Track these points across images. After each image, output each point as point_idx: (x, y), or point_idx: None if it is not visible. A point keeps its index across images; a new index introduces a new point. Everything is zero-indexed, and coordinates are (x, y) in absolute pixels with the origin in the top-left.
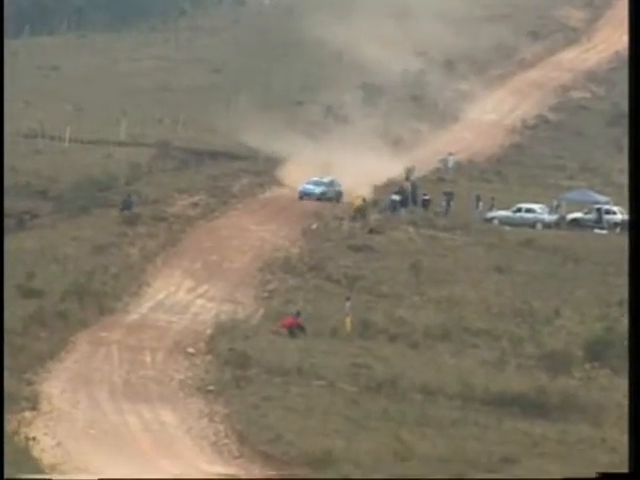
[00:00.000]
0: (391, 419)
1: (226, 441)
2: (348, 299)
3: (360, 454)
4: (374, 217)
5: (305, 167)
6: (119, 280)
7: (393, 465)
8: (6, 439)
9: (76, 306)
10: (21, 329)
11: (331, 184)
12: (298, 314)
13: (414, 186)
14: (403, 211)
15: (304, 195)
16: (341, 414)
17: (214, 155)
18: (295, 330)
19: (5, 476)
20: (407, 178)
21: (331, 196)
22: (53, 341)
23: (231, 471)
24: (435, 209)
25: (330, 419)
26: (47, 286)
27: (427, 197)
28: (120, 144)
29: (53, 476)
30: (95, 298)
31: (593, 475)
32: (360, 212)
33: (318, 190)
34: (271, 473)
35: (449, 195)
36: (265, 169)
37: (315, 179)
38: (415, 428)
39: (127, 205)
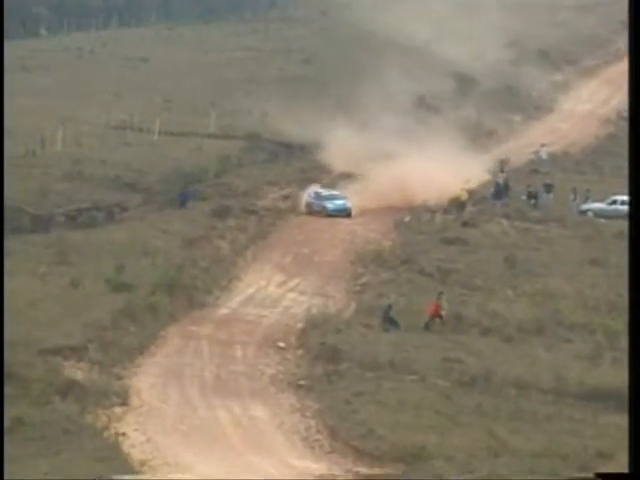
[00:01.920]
0: (484, 414)
1: (318, 436)
2: (441, 293)
3: (453, 450)
4: (467, 210)
5: (397, 159)
6: (209, 274)
7: (486, 461)
8: (97, 434)
9: (166, 300)
10: (111, 323)
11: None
12: (390, 307)
13: (507, 178)
14: (497, 204)
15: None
16: (433, 409)
17: (304, 147)
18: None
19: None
20: (501, 170)
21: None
22: (143, 335)
23: (322, 466)
24: (529, 202)
25: (422, 414)
26: (137, 280)
27: (531, 189)
28: (209, 136)
29: (58, 477)
30: (185, 292)
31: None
32: (457, 205)
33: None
34: (363, 469)
35: (548, 187)
36: None
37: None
38: (508, 423)
39: (182, 201)
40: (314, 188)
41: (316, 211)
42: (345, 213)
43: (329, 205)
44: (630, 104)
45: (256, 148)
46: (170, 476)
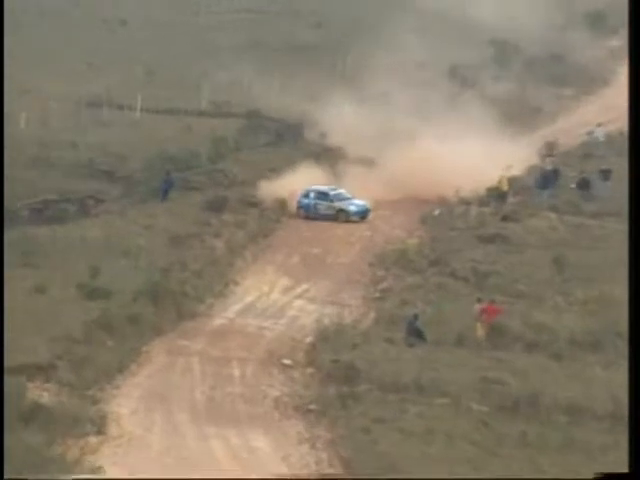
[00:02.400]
0: (529, 444)
1: (330, 471)
2: (479, 300)
3: None
4: (508, 201)
5: (424, 141)
6: (201, 278)
7: None
8: (67, 469)
9: (150, 309)
10: (84, 337)
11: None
12: (416, 317)
13: (556, 164)
14: (545, 194)
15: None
16: (468, 439)
17: (313, 127)
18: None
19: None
20: (548, 154)
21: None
22: (122, 351)
23: None
24: (582, 192)
25: (455, 445)
26: (115, 285)
27: (584, 176)
28: (201, 114)
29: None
30: (172, 299)
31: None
32: (495, 195)
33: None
34: None
35: (605, 173)
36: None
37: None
38: (558, 456)
39: (165, 190)
40: (315, 186)
41: (321, 215)
42: (365, 215)
43: (351, 207)
44: (630, 104)
45: (258, 128)
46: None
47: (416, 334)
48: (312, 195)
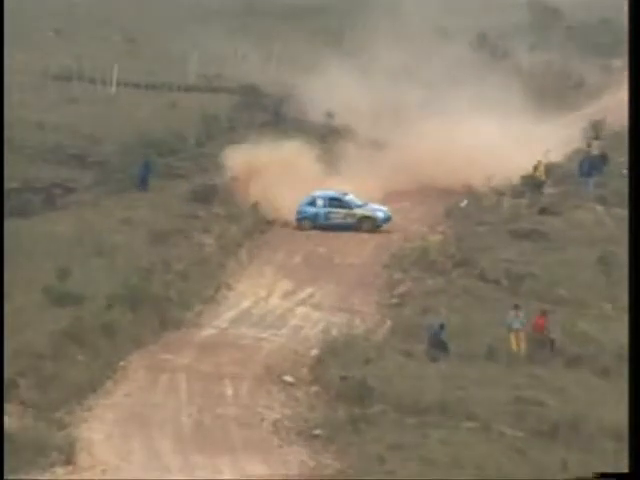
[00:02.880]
0: (571, 475)
1: None
2: (517, 307)
3: None
4: (547, 191)
5: (446, 121)
6: (188, 281)
7: None
8: None
9: (128, 317)
10: (51, 350)
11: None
12: (442, 327)
13: (603, 147)
14: (590, 182)
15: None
16: (502, 469)
17: (318, 104)
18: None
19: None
20: (595, 136)
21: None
22: (96, 367)
23: None
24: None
25: (485, 476)
26: (87, 289)
27: None
28: (188, 89)
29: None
30: (154, 305)
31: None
32: (532, 184)
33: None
34: None
35: None
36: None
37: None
38: None
39: (143, 178)
40: (320, 192)
41: (335, 225)
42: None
43: (379, 214)
44: (630, 103)
45: (252, 105)
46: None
47: (440, 347)
48: (320, 202)
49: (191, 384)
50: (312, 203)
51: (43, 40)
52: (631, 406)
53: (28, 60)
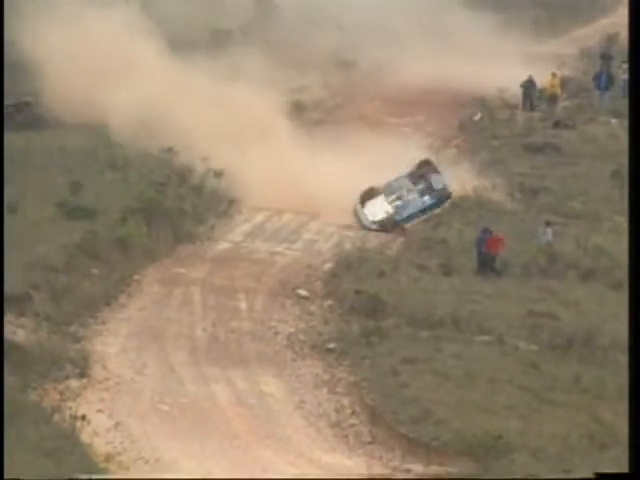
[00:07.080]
0: (585, 390)
1: (353, 421)
2: (548, 224)
3: (541, 439)
4: (561, 104)
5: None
6: (202, 194)
7: (587, 455)
8: (45, 418)
9: (141, 230)
10: (64, 264)
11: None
12: (489, 233)
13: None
14: (605, 96)
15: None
16: (515, 383)
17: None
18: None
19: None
20: (609, 48)
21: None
22: (109, 280)
23: (359, 462)
24: None
25: (499, 390)
26: (100, 203)
27: None
28: None
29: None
30: (168, 219)
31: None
32: (546, 97)
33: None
34: (415, 466)
35: None
36: None
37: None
38: (619, 403)
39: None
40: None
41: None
42: None
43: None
44: (630, 103)
45: None
46: (164, 476)
47: (488, 266)
48: (413, 186)
49: (205, 298)
50: (401, 187)
51: None
52: (631, 406)
53: None
